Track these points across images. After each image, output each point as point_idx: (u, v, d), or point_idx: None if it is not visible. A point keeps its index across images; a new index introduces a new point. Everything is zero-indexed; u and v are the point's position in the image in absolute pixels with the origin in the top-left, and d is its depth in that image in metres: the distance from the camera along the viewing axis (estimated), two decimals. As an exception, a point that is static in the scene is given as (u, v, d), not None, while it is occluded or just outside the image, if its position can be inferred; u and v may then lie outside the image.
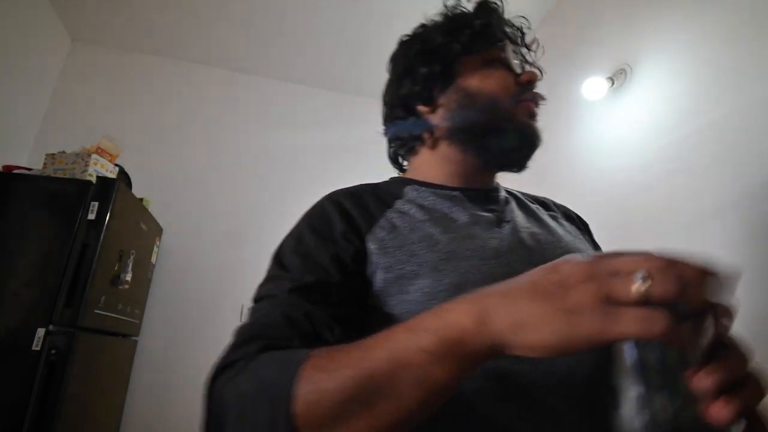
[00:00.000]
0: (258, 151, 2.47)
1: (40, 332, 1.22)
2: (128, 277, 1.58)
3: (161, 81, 2.44)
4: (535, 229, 0.55)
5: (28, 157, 2.02)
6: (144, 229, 1.76)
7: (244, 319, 0.44)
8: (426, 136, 0.60)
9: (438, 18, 0.62)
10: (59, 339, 1.24)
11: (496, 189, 0.61)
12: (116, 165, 1.67)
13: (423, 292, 0.45)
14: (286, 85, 2.70)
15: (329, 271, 0.46)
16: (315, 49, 2.44)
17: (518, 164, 0.59)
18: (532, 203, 0.63)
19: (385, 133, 0.68)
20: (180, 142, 2.35)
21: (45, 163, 1.52)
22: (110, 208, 1.42)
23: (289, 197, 2.42)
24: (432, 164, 0.61)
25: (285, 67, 2.58)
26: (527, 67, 0.60)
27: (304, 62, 2.54)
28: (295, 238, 0.52)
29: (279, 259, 0.51)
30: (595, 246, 0.63)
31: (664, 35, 1.44)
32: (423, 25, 0.64)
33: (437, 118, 0.59)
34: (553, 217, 0.61)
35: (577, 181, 1.75)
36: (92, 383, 1.44)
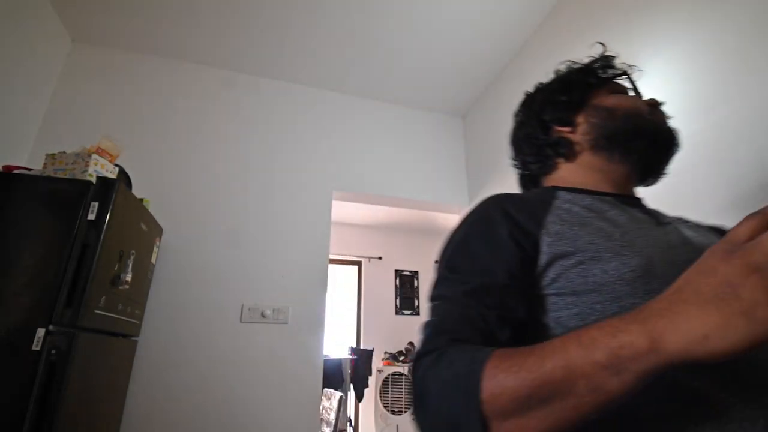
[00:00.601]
0: (258, 151, 2.47)
1: (40, 332, 1.22)
2: (128, 277, 1.58)
3: (161, 81, 2.44)
4: (696, 233, 0.59)
5: (28, 157, 2.02)
6: (144, 229, 1.76)
7: (428, 315, 0.52)
8: (568, 151, 0.70)
9: (564, 68, 0.78)
10: (59, 339, 1.24)
11: (641, 198, 0.68)
12: (116, 165, 1.67)
13: (608, 275, 0.47)
14: (287, 85, 2.70)
15: (496, 274, 0.51)
16: (316, 49, 2.44)
17: (659, 168, 0.69)
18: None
19: (523, 158, 0.77)
20: (180, 142, 2.35)
21: (45, 163, 1.52)
22: (110, 208, 1.42)
23: (290, 197, 2.42)
24: (577, 173, 0.68)
25: (286, 68, 2.59)
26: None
27: (305, 63, 2.54)
28: (461, 241, 0.57)
29: (447, 262, 0.56)
30: None
31: (665, 37, 1.44)
32: (541, 84, 0.80)
33: (578, 135, 0.69)
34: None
35: (577, 182, 1.75)
36: (92, 383, 1.44)
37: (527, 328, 0.49)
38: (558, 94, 0.73)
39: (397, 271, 5.21)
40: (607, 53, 0.76)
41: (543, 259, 0.51)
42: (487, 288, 0.49)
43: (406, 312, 5.06)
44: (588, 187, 0.64)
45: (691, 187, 1.27)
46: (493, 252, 0.52)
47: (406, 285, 5.18)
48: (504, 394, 0.36)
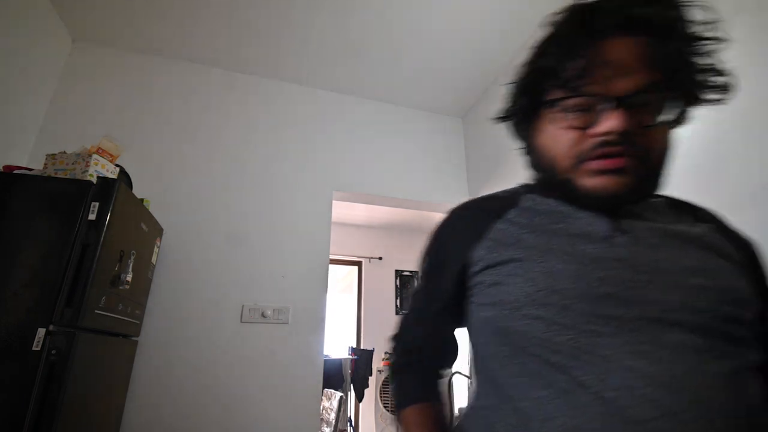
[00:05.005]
0: (258, 152, 2.47)
1: (41, 332, 1.22)
2: (129, 277, 1.58)
3: (161, 81, 2.44)
4: (648, 247, 0.49)
5: (28, 158, 2.02)
6: (144, 229, 1.76)
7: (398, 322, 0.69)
8: None
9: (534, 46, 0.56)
10: (60, 339, 1.24)
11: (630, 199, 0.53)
12: (117, 165, 1.67)
13: (510, 296, 0.49)
14: (287, 85, 2.70)
15: (432, 300, 0.63)
16: (316, 49, 2.44)
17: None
18: (681, 214, 0.58)
19: None
20: (180, 142, 2.35)
21: (45, 164, 1.53)
22: (111, 208, 1.42)
23: (290, 197, 2.42)
24: None
25: (285, 67, 2.59)
26: (609, 114, 0.48)
27: (305, 62, 2.54)
28: (423, 256, 0.66)
29: (418, 272, 0.68)
30: (757, 281, 0.52)
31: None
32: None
33: None
34: (696, 238, 0.52)
35: (577, 182, 1.75)
36: (92, 383, 1.44)
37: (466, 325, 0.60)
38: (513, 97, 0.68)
39: (397, 271, 5.20)
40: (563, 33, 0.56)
41: (471, 271, 0.56)
42: (424, 312, 0.65)
43: (406, 312, 5.06)
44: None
45: (691, 189, 1.27)
46: (433, 277, 0.63)
47: (406, 285, 5.18)
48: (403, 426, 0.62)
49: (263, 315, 2.14)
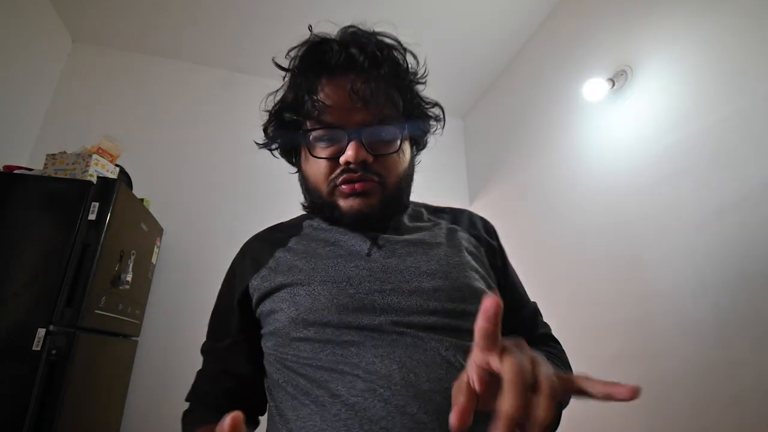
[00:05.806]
0: (259, 151, 2.47)
1: (41, 332, 1.22)
2: (129, 277, 1.58)
3: (161, 81, 2.44)
4: (399, 257, 0.56)
5: (28, 158, 2.02)
6: (145, 229, 1.76)
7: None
8: None
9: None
10: (60, 339, 1.24)
11: (390, 216, 0.62)
12: (117, 165, 1.67)
13: (281, 323, 0.52)
14: (287, 85, 2.69)
15: (221, 336, 0.63)
16: (315, 49, 2.43)
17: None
18: (433, 219, 0.67)
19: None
20: (180, 142, 2.35)
21: (46, 164, 1.53)
22: (111, 208, 1.42)
23: (290, 197, 2.42)
24: None
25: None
26: (349, 145, 0.55)
27: (304, 63, 2.54)
28: (217, 296, 0.69)
29: (211, 314, 0.68)
30: (495, 262, 0.64)
31: (665, 37, 1.45)
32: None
33: None
34: (442, 242, 0.60)
35: (577, 183, 1.75)
36: (93, 383, 1.44)
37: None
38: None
39: (397, 271, 5.20)
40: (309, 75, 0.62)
41: (252, 302, 0.59)
42: (214, 349, 0.63)
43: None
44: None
45: (691, 188, 1.27)
46: (221, 313, 0.65)
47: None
48: None
49: (263, 315, 2.14)
